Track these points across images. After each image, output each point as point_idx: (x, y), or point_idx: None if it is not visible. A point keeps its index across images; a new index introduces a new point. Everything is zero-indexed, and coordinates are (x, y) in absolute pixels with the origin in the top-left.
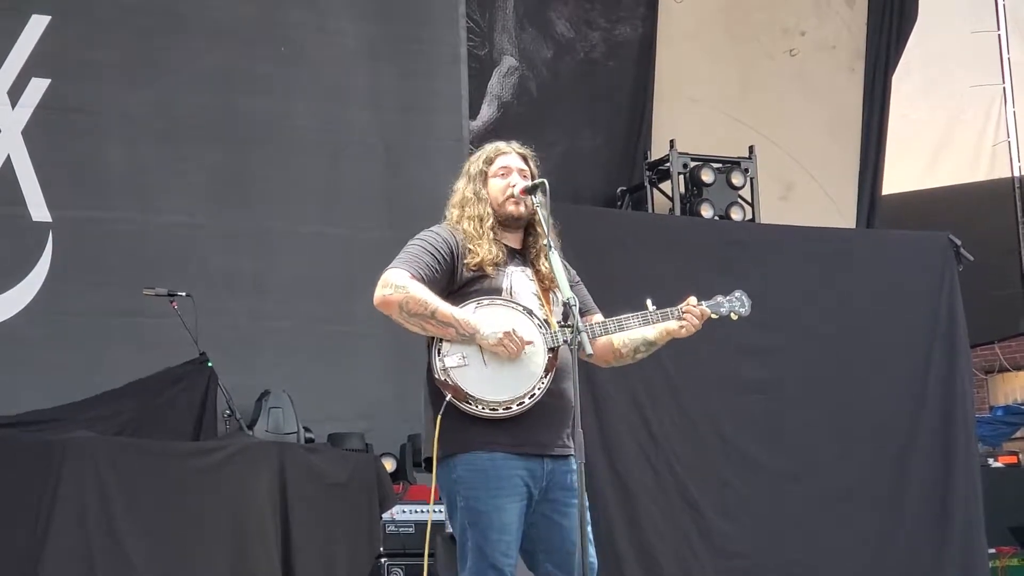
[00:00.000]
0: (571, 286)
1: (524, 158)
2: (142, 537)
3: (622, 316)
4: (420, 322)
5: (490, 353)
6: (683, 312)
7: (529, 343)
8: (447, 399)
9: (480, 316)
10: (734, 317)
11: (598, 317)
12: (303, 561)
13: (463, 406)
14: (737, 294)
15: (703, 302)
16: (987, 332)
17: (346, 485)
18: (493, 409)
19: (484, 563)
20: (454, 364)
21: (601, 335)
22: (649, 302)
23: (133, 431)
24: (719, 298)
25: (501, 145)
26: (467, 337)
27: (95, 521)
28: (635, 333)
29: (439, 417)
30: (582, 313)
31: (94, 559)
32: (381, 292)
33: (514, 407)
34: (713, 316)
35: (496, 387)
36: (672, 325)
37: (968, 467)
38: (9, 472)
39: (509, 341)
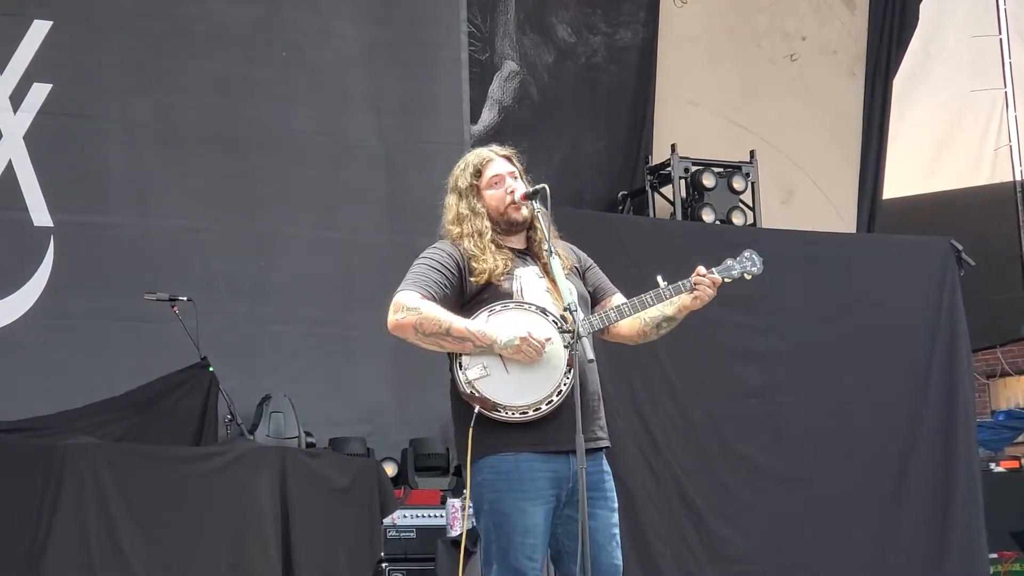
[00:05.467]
0: (586, 271)
1: (509, 159)
2: (143, 542)
3: (636, 297)
4: (437, 340)
5: (512, 359)
6: (694, 284)
7: (548, 340)
8: (476, 411)
9: (494, 324)
10: (748, 277)
11: (617, 299)
12: (304, 566)
13: (493, 415)
14: (747, 253)
15: (713, 268)
16: (989, 336)
17: (347, 490)
18: (523, 413)
19: (507, 566)
20: (476, 376)
21: (617, 320)
22: (660, 279)
23: (134, 436)
24: (728, 261)
25: (483, 152)
26: (485, 348)
27: (96, 526)
28: (652, 310)
29: (471, 429)
30: (601, 297)
31: (94, 564)
32: (394, 317)
33: (543, 407)
34: (727, 280)
35: (522, 391)
36: (686, 299)
37: (969, 472)
38: (10, 477)
39: (527, 345)
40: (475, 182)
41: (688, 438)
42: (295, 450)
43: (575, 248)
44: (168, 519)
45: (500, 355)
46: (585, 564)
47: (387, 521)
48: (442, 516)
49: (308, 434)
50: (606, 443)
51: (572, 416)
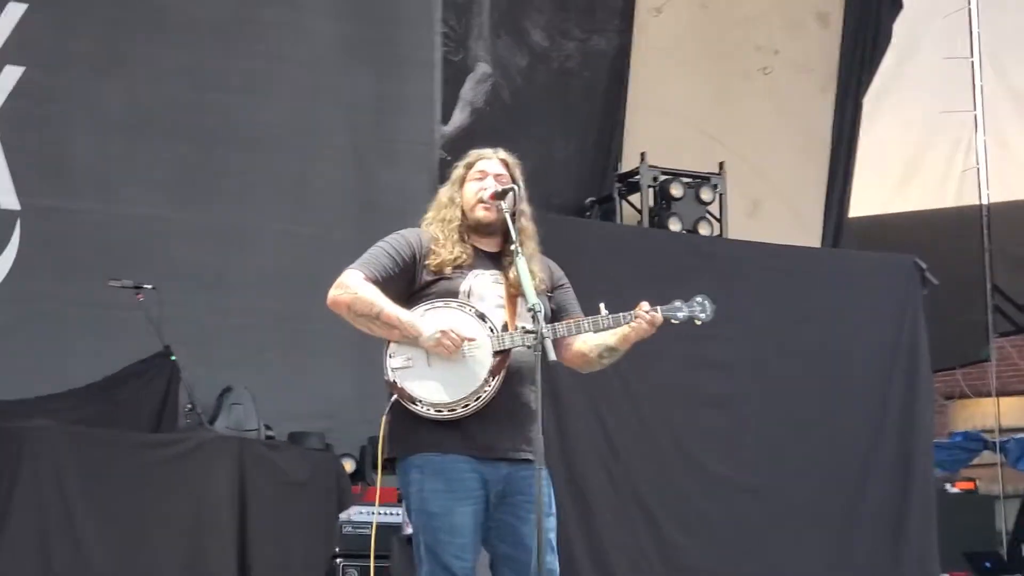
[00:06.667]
0: (555, 288)
1: (506, 164)
2: (99, 526)
3: (574, 320)
4: (366, 323)
5: (435, 355)
6: (634, 316)
7: (470, 340)
8: (393, 399)
9: (426, 319)
10: (696, 322)
11: None
12: (259, 556)
13: (410, 407)
14: (699, 299)
15: (659, 307)
16: (949, 358)
17: (305, 483)
18: (439, 410)
19: (436, 564)
20: (399, 365)
21: (551, 338)
22: (602, 306)
23: (94, 422)
24: (677, 303)
25: (485, 151)
26: (411, 339)
27: (53, 509)
28: (597, 338)
29: (384, 417)
30: (562, 317)
31: (51, 547)
32: (333, 292)
33: (459, 409)
34: (672, 321)
35: (440, 388)
36: (626, 329)
37: (924, 491)
38: None
39: (446, 339)
40: (463, 173)
41: (647, 447)
42: (254, 441)
43: (553, 265)
44: (124, 504)
45: (425, 350)
46: (541, 567)
47: (344, 517)
48: (399, 514)
49: (268, 427)
50: (529, 457)
51: (501, 423)
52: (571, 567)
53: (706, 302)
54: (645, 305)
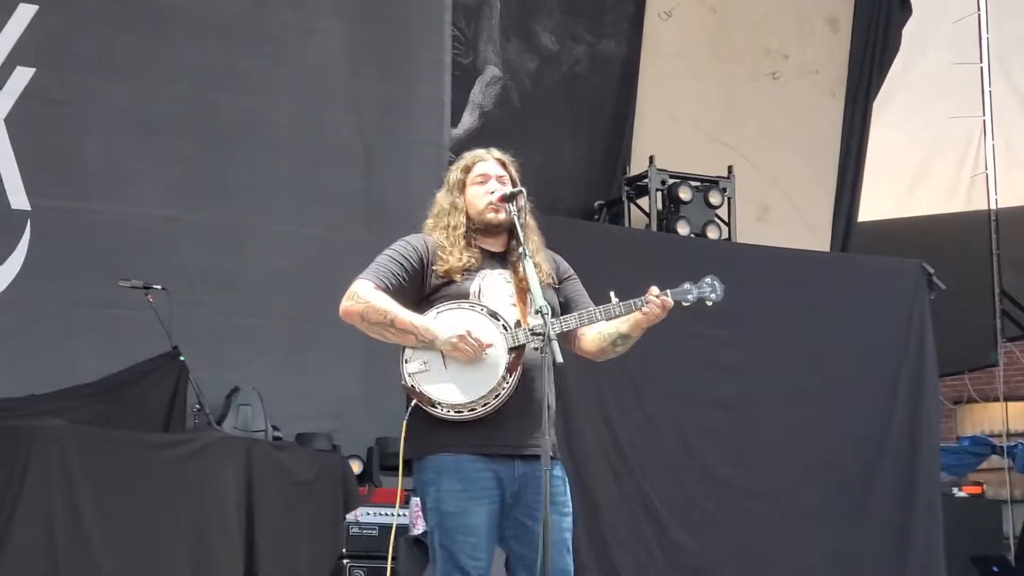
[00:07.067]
0: (562, 281)
1: (503, 164)
2: (106, 526)
3: (585, 310)
4: (380, 330)
5: (450, 357)
6: (645, 302)
7: (488, 345)
8: (412, 403)
9: (439, 321)
10: (708, 303)
11: None
12: (265, 556)
13: (429, 410)
14: (708, 279)
15: (668, 291)
16: (957, 362)
17: (312, 484)
18: (458, 411)
19: (450, 564)
20: (416, 370)
21: (563, 330)
22: (612, 294)
23: (103, 421)
24: (687, 285)
25: (480, 152)
26: (427, 343)
27: (60, 508)
28: (609, 327)
29: (404, 421)
30: (571, 310)
31: (57, 546)
32: (345, 303)
33: (479, 408)
34: (684, 304)
35: (458, 390)
36: (638, 315)
37: (930, 496)
38: None
39: (464, 344)
40: (462, 177)
41: (654, 447)
42: (262, 441)
43: (558, 258)
44: (132, 504)
45: (441, 352)
46: (547, 565)
47: (350, 518)
48: (405, 515)
49: (275, 428)
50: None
51: (515, 421)
52: (576, 566)
53: (715, 283)
54: (655, 289)
